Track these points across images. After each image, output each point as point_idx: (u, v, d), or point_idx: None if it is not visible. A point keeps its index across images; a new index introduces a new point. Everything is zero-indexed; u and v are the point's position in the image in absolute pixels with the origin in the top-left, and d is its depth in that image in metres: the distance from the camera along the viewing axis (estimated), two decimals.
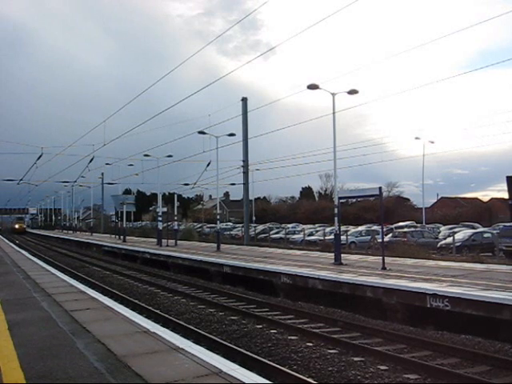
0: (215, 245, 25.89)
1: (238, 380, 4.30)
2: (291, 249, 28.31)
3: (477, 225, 37.49)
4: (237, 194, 62.60)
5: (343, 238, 26.85)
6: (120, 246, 31.45)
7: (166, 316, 11.24)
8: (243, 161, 33.91)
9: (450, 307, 9.59)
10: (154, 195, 44.21)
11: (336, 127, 17.77)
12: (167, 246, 29.10)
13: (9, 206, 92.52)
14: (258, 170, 47.77)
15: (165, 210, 32.99)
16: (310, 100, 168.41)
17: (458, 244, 24.49)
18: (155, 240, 32.47)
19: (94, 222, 65.49)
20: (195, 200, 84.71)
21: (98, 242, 37.87)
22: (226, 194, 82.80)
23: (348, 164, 55.07)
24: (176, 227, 32.85)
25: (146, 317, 8.70)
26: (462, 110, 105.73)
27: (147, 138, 42.69)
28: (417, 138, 41.83)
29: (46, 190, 71.59)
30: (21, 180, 41.13)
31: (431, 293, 9.99)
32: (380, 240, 18.99)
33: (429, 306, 10.01)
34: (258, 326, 10.30)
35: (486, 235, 26.68)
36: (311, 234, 37.02)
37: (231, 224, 55.70)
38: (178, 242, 30.91)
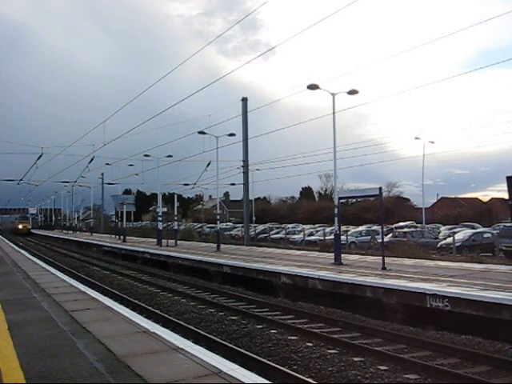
0: (215, 245, 25.89)
1: (238, 380, 4.30)
2: (291, 249, 28.32)
3: (477, 225, 37.51)
4: (237, 194, 62.69)
5: (343, 238, 26.85)
6: (120, 246, 31.45)
7: (166, 316, 11.24)
8: (243, 161, 33.91)
9: (450, 307, 9.59)
10: (154, 195, 44.22)
11: (336, 127, 17.82)
12: (167, 246, 29.10)
13: (9, 206, 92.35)
14: (258, 170, 47.88)
15: (165, 210, 32.98)
16: (310, 100, 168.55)
17: (457, 244, 24.49)
18: (155, 240, 32.47)
19: (93, 222, 65.42)
20: (195, 200, 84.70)
21: (98, 242, 37.86)
22: (226, 194, 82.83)
23: (348, 164, 55.18)
24: (176, 227, 32.85)
25: (145, 317, 8.71)
26: (462, 110, 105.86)
27: (147, 138, 42.80)
28: (417, 138, 41.87)
29: (45, 190, 71.59)
30: (21, 180, 41.19)
31: (431, 293, 9.99)
32: (380, 240, 18.99)
33: (429, 306, 10.02)
34: (258, 326, 10.30)
35: (486, 235, 26.69)
36: (311, 234, 37.02)
37: (231, 224, 55.69)
38: (178, 242, 30.91)
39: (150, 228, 57.20)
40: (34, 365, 4.74)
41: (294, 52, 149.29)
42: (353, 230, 35.47)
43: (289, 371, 6.96)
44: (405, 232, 29.60)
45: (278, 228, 45.01)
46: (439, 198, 72.63)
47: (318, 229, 39.68)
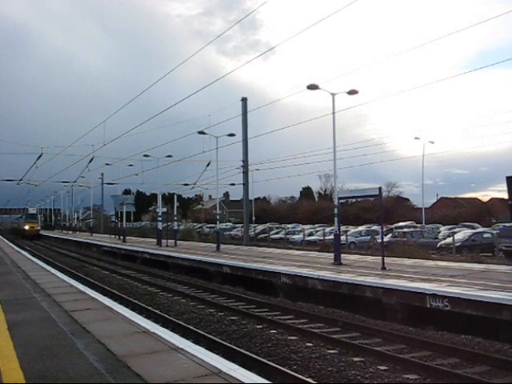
0: (215, 245, 25.89)
1: (238, 380, 4.30)
2: (291, 249, 28.33)
3: (476, 225, 37.52)
4: (237, 194, 62.57)
5: (343, 238, 26.84)
6: (120, 246, 31.45)
7: (166, 316, 11.24)
8: (243, 161, 33.91)
9: (450, 307, 9.59)
10: (154, 195, 44.19)
11: (336, 127, 17.82)
12: (167, 246, 29.10)
13: (9, 206, 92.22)
14: (257, 170, 47.82)
15: (164, 210, 32.98)
16: (310, 100, 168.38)
17: (457, 244, 24.50)
18: (155, 240, 32.47)
19: (93, 222, 65.40)
20: (195, 200, 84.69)
21: (98, 242, 37.86)
22: (226, 194, 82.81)
23: (348, 164, 55.11)
24: (176, 227, 32.85)
25: (145, 317, 8.70)
26: (462, 110, 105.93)
27: (147, 138, 42.74)
28: (417, 138, 41.84)
29: (45, 190, 71.45)
30: (21, 180, 41.15)
31: (431, 293, 9.99)
32: (380, 240, 18.99)
33: (428, 306, 10.02)
34: (258, 326, 10.30)
35: (485, 235, 26.71)
36: (311, 234, 37.04)
37: (231, 224, 55.70)
38: (178, 242, 30.90)
39: (149, 228, 57.21)
40: (33, 365, 4.74)
41: (294, 52, 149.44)
42: (352, 230, 35.49)
43: (288, 371, 6.96)
44: (404, 232, 29.61)
45: (277, 228, 45.02)
46: (439, 198, 72.75)
47: (318, 229, 39.71)
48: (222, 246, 26.51)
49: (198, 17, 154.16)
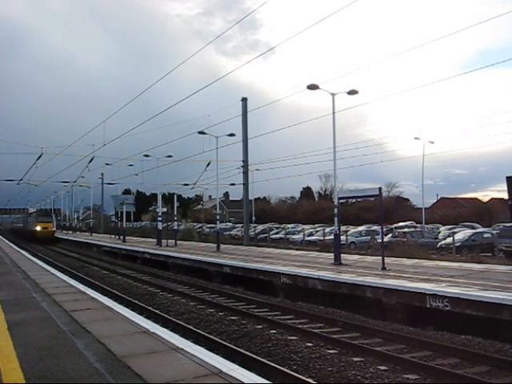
0: (215, 245, 25.90)
1: (238, 380, 4.30)
2: (291, 249, 28.34)
3: (476, 225, 37.56)
4: (237, 194, 62.64)
5: (343, 238, 26.86)
6: (120, 246, 31.45)
7: (166, 316, 11.24)
8: (243, 161, 33.90)
9: (450, 307, 9.59)
10: (154, 195, 44.19)
11: (336, 127, 17.82)
12: (167, 246, 29.10)
13: (8, 206, 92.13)
14: (257, 170, 47.79)
15: (164, 210, 32.97)
16: (310, 100, 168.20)
17: (457, 244, 24.52)
18: (155, 240, 32.47)
19: (93, 222, 65.38)
20: (195, 200, 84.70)
21: (98, 242, 37.86)
22: (226, 194, 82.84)
23: (348, 164, 55.02)
24: (176, 227, 32.86)
25: (145, 317, 8.71)
26: (462, 110, 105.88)
27: (147, 138, 42.65)
28: (416, 138, 41.78)
29: (45, 190, 71.34)
30: (21, 180, 41.10)
31: (431, 293, 9.99)
32: (380, 240, 18.99)
33: (428, 306, 10.02)
34: (258, 327, 10.30)
35: (485, 235, 26.73)
36: (311, 235, 37.04)
37: (231, 224, 55.71)
38: (178, 242, 30.92)
39: (149, 228, 57.21)
40: (33, 365, 4.74)
41: (294, 52, 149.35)
42: (352, 230, 35.50)
43: (289, 371, 6.96)
44: (404, 232, 29.63)
45: (277, 228, 45.06)
46: (439, 198, 72.74)
47: (318, 229, 39.71)
48: (222, 246, 26.52)
49: (198, 17, 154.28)
